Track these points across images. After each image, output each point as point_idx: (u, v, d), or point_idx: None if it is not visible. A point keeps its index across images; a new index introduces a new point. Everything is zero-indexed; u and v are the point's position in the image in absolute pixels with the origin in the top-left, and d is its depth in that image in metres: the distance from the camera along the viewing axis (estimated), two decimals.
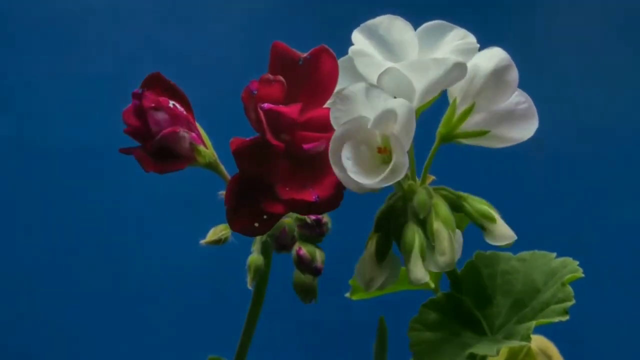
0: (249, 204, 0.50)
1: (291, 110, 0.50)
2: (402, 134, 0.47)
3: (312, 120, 0.50)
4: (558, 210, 1.22)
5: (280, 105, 0.50)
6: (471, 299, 0.56)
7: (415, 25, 0.52)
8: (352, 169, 0.47)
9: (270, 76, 0.50)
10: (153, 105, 0.52)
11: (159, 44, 1.26)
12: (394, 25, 0.51)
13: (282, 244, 0.55)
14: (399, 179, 0.48)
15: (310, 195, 0.49)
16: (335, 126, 0.48)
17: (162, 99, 0.53)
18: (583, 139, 1.24)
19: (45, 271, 1.24)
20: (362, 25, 0.52)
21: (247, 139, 0.50)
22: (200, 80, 1.19)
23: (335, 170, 0.47)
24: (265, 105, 0.49)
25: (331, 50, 0.51)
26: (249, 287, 0.57)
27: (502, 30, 1.23)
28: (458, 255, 0.51)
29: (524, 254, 0.58)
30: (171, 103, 0.53)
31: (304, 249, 0.56)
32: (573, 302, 0.52)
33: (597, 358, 1.18)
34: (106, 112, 1.03)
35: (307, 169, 0.50)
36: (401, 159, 0.47)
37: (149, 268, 1.24)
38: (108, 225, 1.24)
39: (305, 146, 0.49)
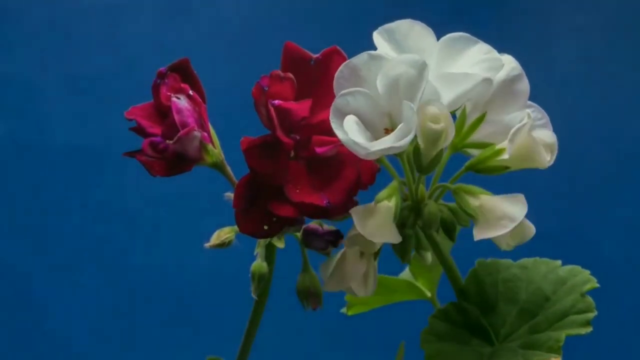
0: (259, 206, 0.49)
1: (301, 107, 0.49)
2: (410, 97, 0.46)
3: (324, 123, 0.49)
4: (558, 213, 1.22)
5: (291, 102, 0.49)
6: (476, 307, 0.55)
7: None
8: (355, 133, 0.46)
9: (281, 73, 0.49)
10: (175, 92, 0.52)
11: (159, 44, 1.26)
12: (413, 31, 0.50)
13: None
14: (403, 143, 0.46)
15: (321, 199, 0.48)
16: (336, 93, 0.47)
17: (183, 85, 0.53)
18: (582, 141, 1.23)
19: (44, 272, 1.23)
20: (380, 28, 0.50)
21: (258, 137, 0.49)
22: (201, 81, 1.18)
23: (337, 132, 0.46)
24: (276, 101, 0.49)
25: (343, 52, 0.51)
26: (253, 295, 0.56)
27: (501, 33, 1.22)
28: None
29: (525, 261, 0.57)
30: (191, 92, 0.52)
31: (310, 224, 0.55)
32: (595, 313, 0.51)
33: None
34: (106, 112, 1.03)
35: (318, 172, 0.49)
36: (407, 126, 0.45)
37: (151, 269, 1.23)
38: (108, 226, 1.24)
39: (319, 150, 0.49)
